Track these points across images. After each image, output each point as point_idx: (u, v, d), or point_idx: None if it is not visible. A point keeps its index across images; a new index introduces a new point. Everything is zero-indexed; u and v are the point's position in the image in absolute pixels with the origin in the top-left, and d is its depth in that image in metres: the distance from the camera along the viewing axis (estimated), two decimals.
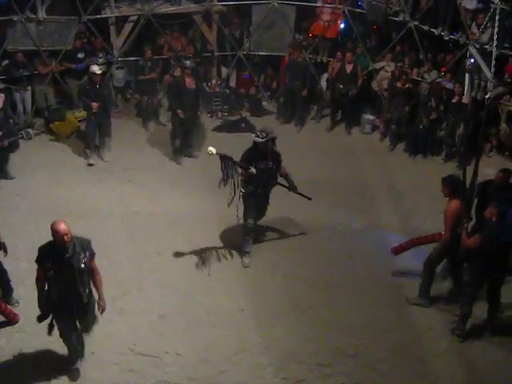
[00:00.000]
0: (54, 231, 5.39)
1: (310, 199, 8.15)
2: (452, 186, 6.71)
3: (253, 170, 7.35)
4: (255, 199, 7.68)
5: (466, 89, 6.99)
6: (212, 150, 7.33)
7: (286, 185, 7.96)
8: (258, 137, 7.38)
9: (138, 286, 7.39)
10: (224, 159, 7.43)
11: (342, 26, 12.27)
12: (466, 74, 6.86)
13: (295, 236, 8.48)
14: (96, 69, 9.97)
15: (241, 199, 7.63)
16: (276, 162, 7.61)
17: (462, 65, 10.90)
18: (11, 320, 6.62)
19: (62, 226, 5.38)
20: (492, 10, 9.68)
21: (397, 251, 7.72)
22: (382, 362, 6.41)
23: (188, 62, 10.29)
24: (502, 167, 7.73)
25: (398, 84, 10.93)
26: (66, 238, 5.38)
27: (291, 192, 8.02)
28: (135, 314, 6.95)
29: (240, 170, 7.42)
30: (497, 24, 6.94)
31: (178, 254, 8.00)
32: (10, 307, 6.65)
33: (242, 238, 7.94)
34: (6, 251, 6.57)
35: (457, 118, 10.36)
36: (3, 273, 6.77)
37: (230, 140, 11.21)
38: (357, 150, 11.22)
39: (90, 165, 10.20)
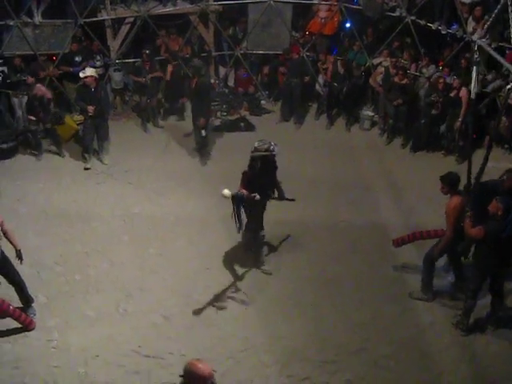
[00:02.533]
0: (201, 379, 4.02)
1: (294, 200, 7.93)
2: (451, 184, 6.70)
3: (257, 196, 7.12)
4: (261, 211, 7.58)
5: (473, 84, 6.87)
6: (227, 193, 6.91)
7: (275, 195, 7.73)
8: (273, 150, 7.12)
9: (140, 288, 7.39)
10: (237, 199, 7.11)
11: (348, 25, 12.24)
12: (474, 68, 6.75)
13: (296, 233, 8.47)
14: (81, 73, 9.98)
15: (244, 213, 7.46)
16: (274, 171, 7.48)
17: (460, 59, 10.93)
18: (27, 326, 6.60)
19: (208, 369, 4.04)
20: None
21: (398, 243, 7.74)
22: (387, 358, 6.42)
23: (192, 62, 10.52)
24: (502, 160, 7.66)
25: (396, 79, 10.92)
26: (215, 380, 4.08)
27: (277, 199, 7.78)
28: (138, 315, 6.96)
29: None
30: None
31: (179, 255, 8.02)
32: (24, 314, 6.62)
33: (256, 250, 7.83)
34: (21, 259, 6.57)
35: (456, 111, 10.35)
36: (22, 284, 6.76)
37: (230, 140, 11.24)
38: (356, 147, 11.22)
39: (87, 169, 10.20)
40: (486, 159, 6.69)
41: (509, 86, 6.51)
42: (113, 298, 7.22)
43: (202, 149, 10.58)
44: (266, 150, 7.13)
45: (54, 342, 6.53)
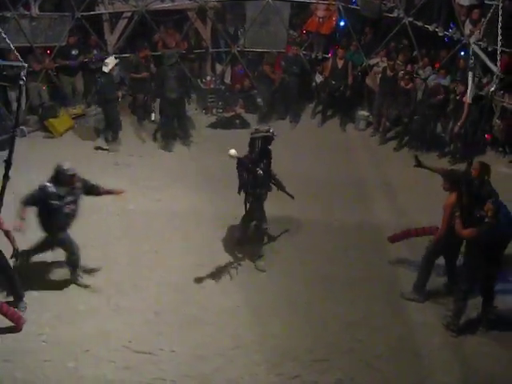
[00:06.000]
0: None
1: (293, 198, 7.97)
2: (453, 181, 6.71)
3: (260, 171, 7.23)
4: (263, 201, 7.63)
5: (469, 88, 6.80)
6: (233, 153, 6.96)
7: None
8: (273, 132, 7.32)
9: (133, 284, 7.39)
10: (241, 164, 7.23)
11: (342, 23, 12.24)
12: (469, 73, 6.71)
13: (290, 232, 8.48)
14: (105, 67, 10.36)
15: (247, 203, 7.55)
16: (269, 160, 7.56)
17: (457, 61, 10.96)
18: (16, 323, 6.50)
19: None
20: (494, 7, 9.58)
21: (393, 240, 7.79)
22: (377, 358, 6.45)
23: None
24: (496, 163, 7.65)
25: (402, 83, 10.88)
26: None
27: (279, 191, 7.85)
28: (130, 311, 6.95)
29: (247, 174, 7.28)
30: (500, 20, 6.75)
31: (173, 252, 8.00)
32: (13, 309, 6.54)
33: (257, 242, 7.88)
34: (17, 259, 6.56)
35: (458, 116, 10.35)
36: (13, 278, 6.72)
37: (225, 137, 11.24)
38: (351, 146, 11.25)
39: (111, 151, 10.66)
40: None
41: (492, 89, 6.49)
42: (105, 293, 7.21)
43: (156, 133, 11.08)
44: (267, 132, 7.30)
45: (44, 336, 6.52)
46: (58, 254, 7.82)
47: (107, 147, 10.66)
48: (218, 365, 6.27)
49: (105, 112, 10.66)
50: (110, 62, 10.33)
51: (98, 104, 10.95)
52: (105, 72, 10.29)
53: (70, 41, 11.36)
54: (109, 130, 10.76)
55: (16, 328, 6.48)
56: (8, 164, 6.50)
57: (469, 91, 6.76)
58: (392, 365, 6.37)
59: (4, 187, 6.53)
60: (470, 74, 6.70)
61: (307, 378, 6.19)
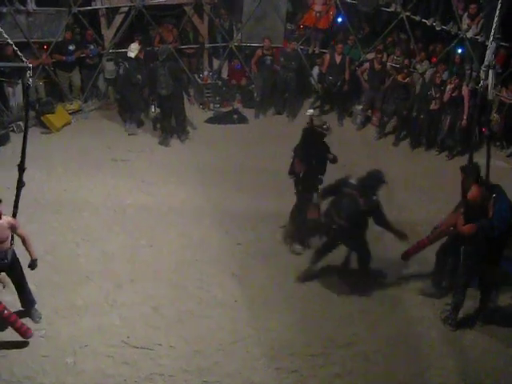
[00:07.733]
0: None
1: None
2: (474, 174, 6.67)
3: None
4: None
5: (490, 85, 6.69)
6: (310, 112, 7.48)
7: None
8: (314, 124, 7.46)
9: (130, 279, 7.38)
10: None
11: (340, 19, 12.21)
12: (490, 71, 6.63)
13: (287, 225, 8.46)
14: (132, 53, 10.82)
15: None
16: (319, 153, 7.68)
17: (454, 55, 10.96)
18: (22, 335, 6.29)
19: None
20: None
21: (407, 256, 7.52)
22: (375, 352, 6.45)
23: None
24: (494, 157, 7.61)
25: (399, 77, 10.87)
26: None
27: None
28: (128, 306, 6.95)
29: None
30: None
31: (170, 246, 8.00)
32: (20, 321, 6.32)
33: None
34: (33, 268, 6.44)
35: (458, 111, 10.32)
36: (27, 289, 6.65)
37: (222, 132, 11.23)
38: (349, 141, 11.22)
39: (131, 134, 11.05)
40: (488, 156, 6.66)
41: (482, 81, 6.46)
42: (103, 288, 7.21)
43: (156, 124, 11.28)
44: (312, 126, 7.46)
45: (42, 332, 6.52)
46: (52, 249, 7.82)
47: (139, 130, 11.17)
48: (216, 359, 6.28)
49: (128, 96, 11.04)
50: (135, 47, 10.76)
51: (120, 89, 11.24)
52: (130, 57, 10.72)
53: (66, 36, 11.32)
54: (130, 113, 11.13)
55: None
56: (21, 169, 6.42)
57: (489, 87, 6.66)
58: (390, 359, 6.38)
59: (18, 194, 6.49)
60: (492, 72, 6.61)
61: (306, 372, 6.19)
